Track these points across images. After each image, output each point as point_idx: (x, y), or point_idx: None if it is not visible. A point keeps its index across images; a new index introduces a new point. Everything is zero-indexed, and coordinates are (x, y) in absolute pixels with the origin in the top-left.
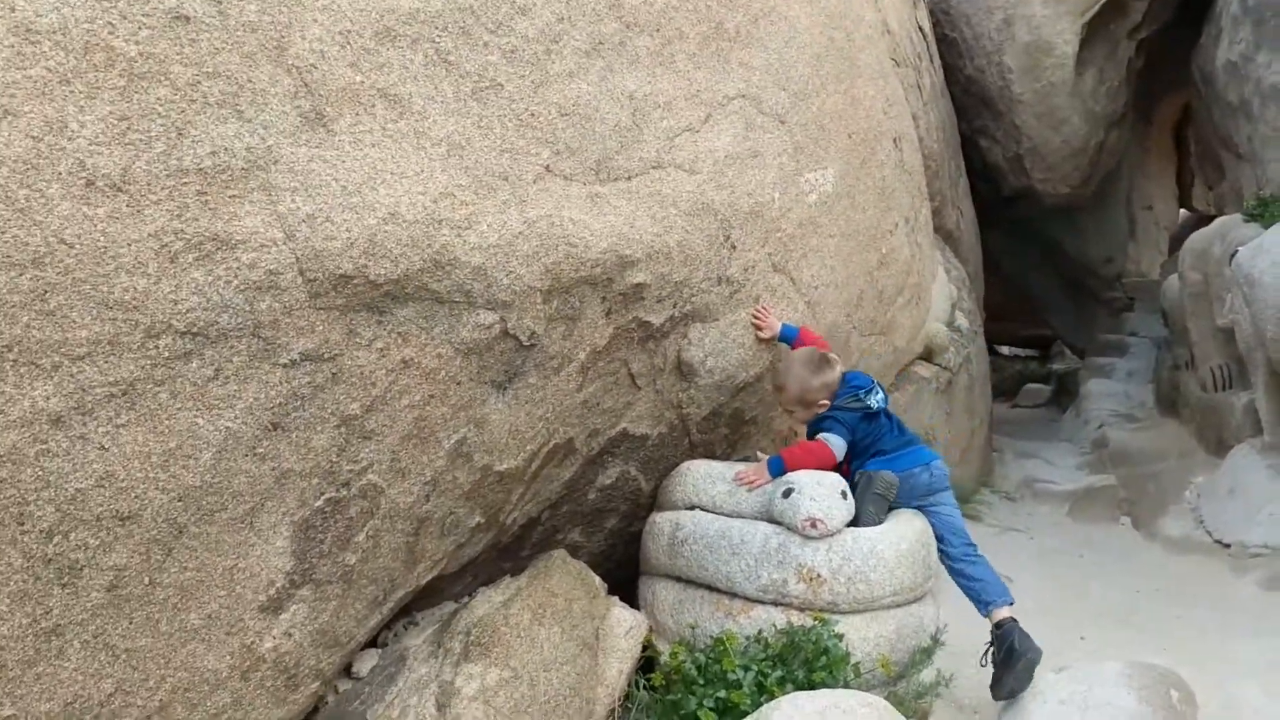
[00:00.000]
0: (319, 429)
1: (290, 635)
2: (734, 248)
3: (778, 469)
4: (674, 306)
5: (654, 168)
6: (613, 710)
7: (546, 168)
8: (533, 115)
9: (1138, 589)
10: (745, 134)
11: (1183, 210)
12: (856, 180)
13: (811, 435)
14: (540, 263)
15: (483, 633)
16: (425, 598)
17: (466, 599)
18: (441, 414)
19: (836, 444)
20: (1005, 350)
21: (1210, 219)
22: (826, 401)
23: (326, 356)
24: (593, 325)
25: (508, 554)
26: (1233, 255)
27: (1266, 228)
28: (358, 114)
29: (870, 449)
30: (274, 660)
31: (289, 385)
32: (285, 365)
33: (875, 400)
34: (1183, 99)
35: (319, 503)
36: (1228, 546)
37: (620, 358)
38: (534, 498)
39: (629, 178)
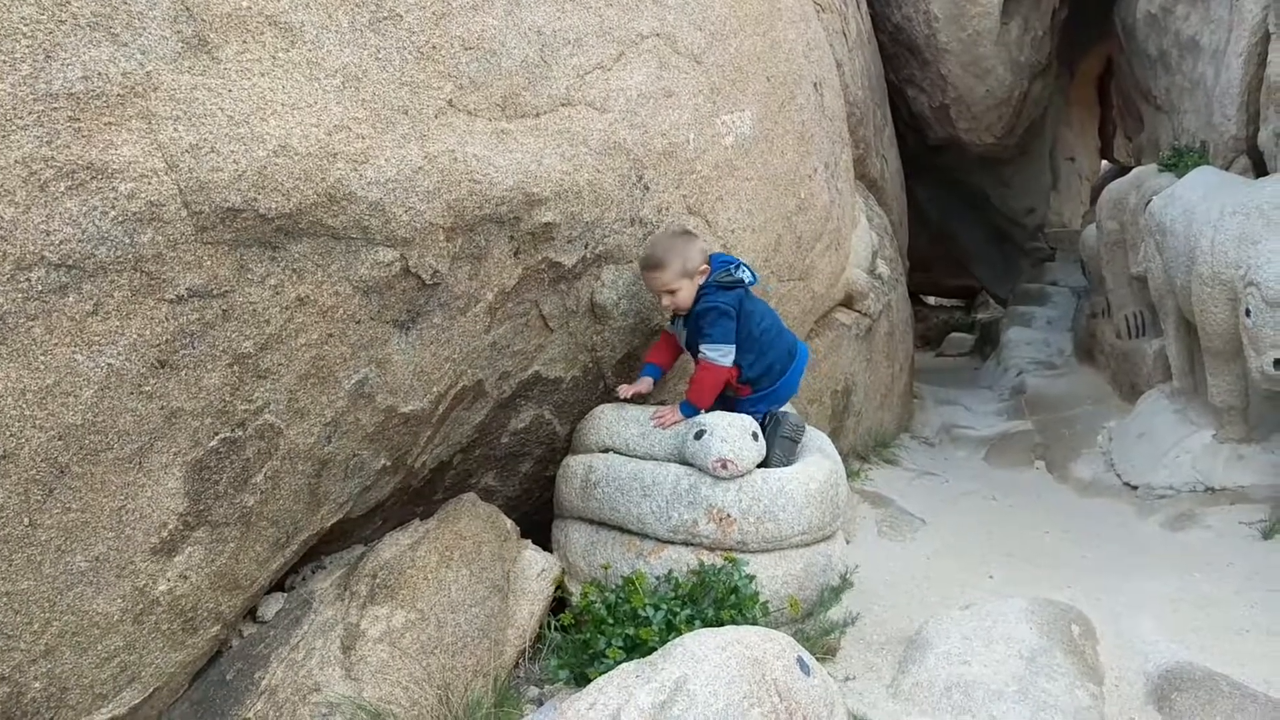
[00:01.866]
0: (210, 367)
1: (186, 578)
2: (647, 188)
3: (689, 411)
4: (585, 247)
5: (563, 105)
6: (523, 651)
7: (449, 102)
8: (434, 48)
9: (1047, 530)
10: (659, 73)
11: (1104, 161)
12: (775, 124)
13: (691, 338)
14: (442, 199)
15: (389, 575)
16: (333, 541)
17: (376, 543)
18: (341, 353)
19: (720, 353)
20: (931, 300)
21: (1130, 170)
22: (706, 267)
23: (216, 292)
24: (500, 265)
25: (419, 498)
26: (1147, 205)
27: (1180, 178)
28: (245, 41)
29: (760, 355)
30: (169, 603)
31: (176, 322)
32: (172, 301)
33: (746, 274)
34: (1105, 50)
35: (213, 443)
36: (1135, 488)
37: (531, 299)
38: (444, 441)
39: (537, 115)
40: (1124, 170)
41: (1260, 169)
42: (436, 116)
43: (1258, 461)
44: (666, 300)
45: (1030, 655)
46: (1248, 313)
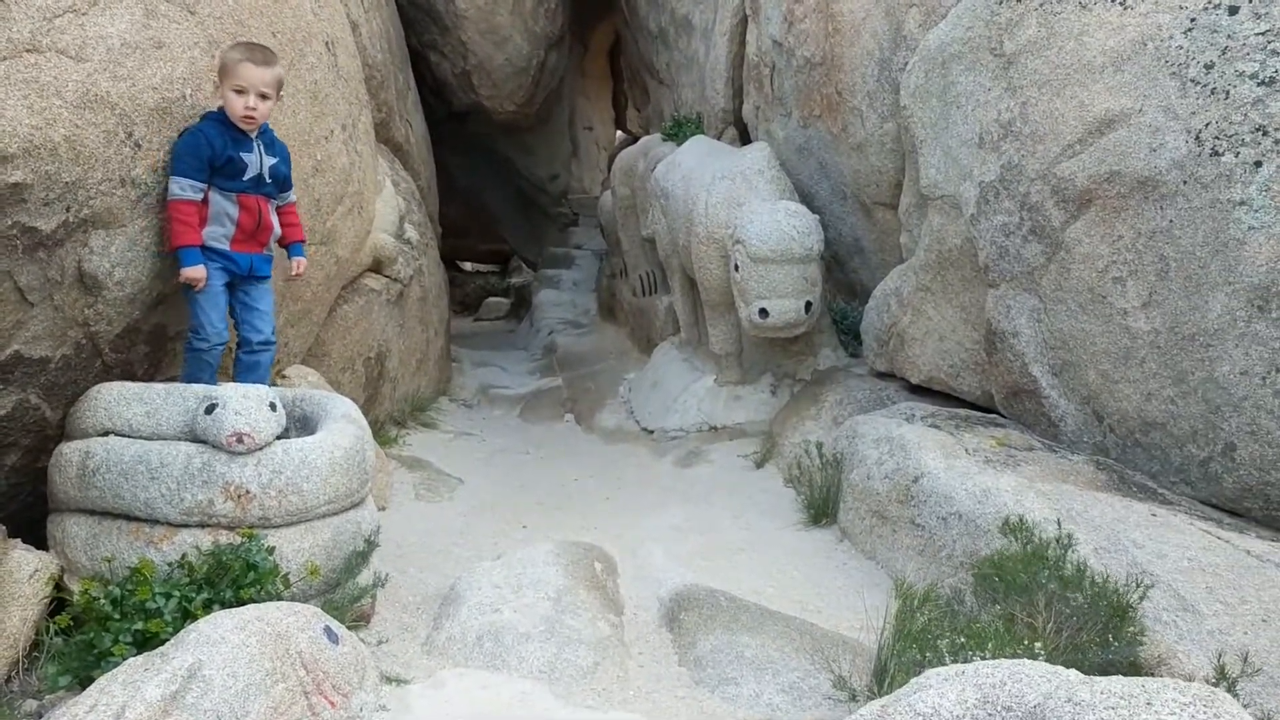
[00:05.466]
0: None
1: None
2: (139, 146)
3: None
4: (67, 210)
5: (29, 51)
6: (16, 662)
7: None
8: None
9: (576, 477)
10: (146, 22)
11: (619, 131)
12: (285, 82)
13: (276, 172)
14: None
15: None
16: None
17: None
18: None
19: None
20: (468, 266)
21: (640, 139)
22: None
23: None
24: None
25: None
26: (653, 171)
27: (680, 146)
28: None
29: None
30: None
31: None
32: None
33: None
34: (614, 26)
35: None
36: (652, 432)
37: (2, 269)
38: None
39: None
40: (635, 139)
41: (746, 138)
42: None
43: (751, 401)
44: (253, 102)
45: (557, 596)
46: (736, 268)
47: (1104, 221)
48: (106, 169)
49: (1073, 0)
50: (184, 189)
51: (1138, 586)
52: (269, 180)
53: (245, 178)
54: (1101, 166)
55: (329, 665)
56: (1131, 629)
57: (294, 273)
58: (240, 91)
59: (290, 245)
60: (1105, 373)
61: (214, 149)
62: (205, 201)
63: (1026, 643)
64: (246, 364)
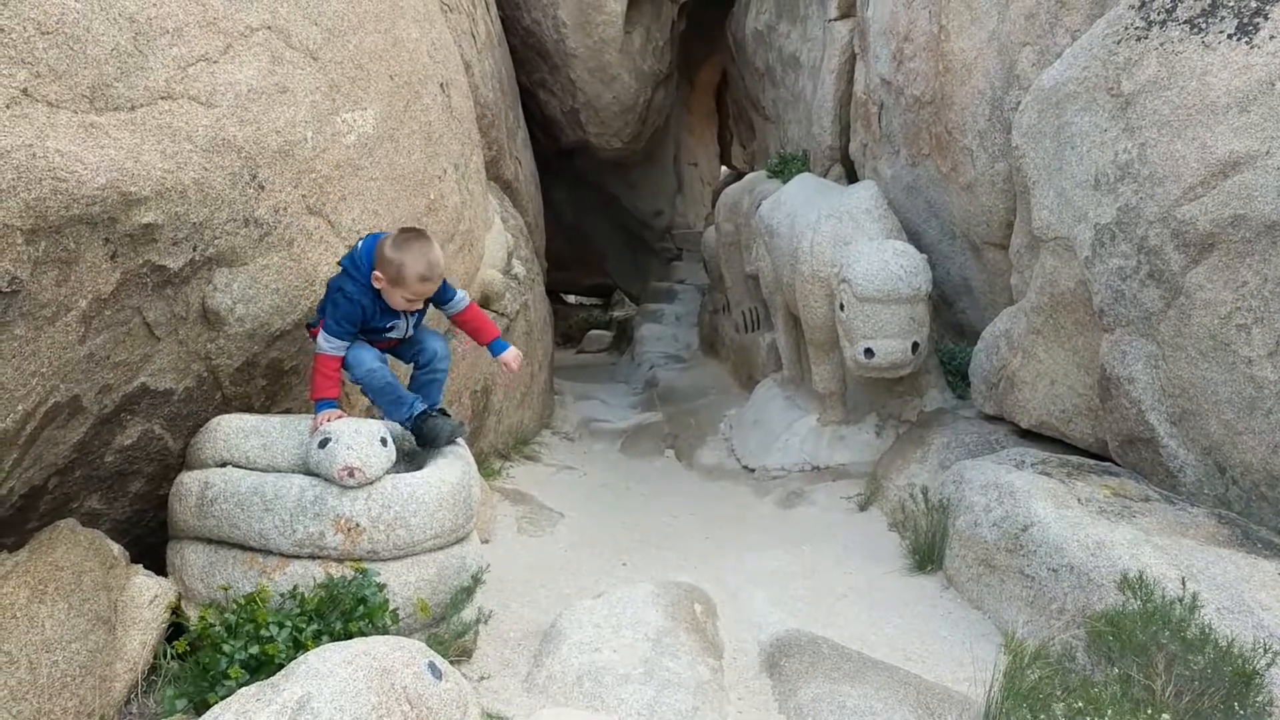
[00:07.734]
0: None
1: None
2: (262, 187)
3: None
4: (194, 249)
5: (163, 98)
6: (135, 684)
7: (24, 91)
8: (1, 30)
9: (675, 515)
10: (272, 68)
11: (723, 167)
12: (400, 123)
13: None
14: (19, 199)
15: None
16: None
17: None
18: None
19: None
20: (571, 299)
21: (744, 175)
22: None
23: None
24: (95, 269)
25: (9, 528)
26: (757, 208)
27: (785, 183)
28: None
29: None
30: None
31: None
32: None
33: None
34: (721, 63)
35: None
36: (753, 471)
37: (132, 305)
38: (35, 463)
39: (133, 108)
40: (740, 175)
41: (853, 175)
42: (9, 107)
43: (855, 441)
44: (419, 305)
45: (656, 637)
46: (842, 307)
47: (1228, 266)
48: (231, 209)
49: (1195, 39)
50: (336, 348)
51: (1265, 652)
52: (406, 337)
53: (386, 337)
54: (1225, 210)
55: (432, 701)
56: (1259, 698)
57: (506, 364)
58: (410, 300)
59: (490, 344)
60: (1228, 423)
61: (366, 316)
62: None
63: (1150, 712)
64: (422, 380)
